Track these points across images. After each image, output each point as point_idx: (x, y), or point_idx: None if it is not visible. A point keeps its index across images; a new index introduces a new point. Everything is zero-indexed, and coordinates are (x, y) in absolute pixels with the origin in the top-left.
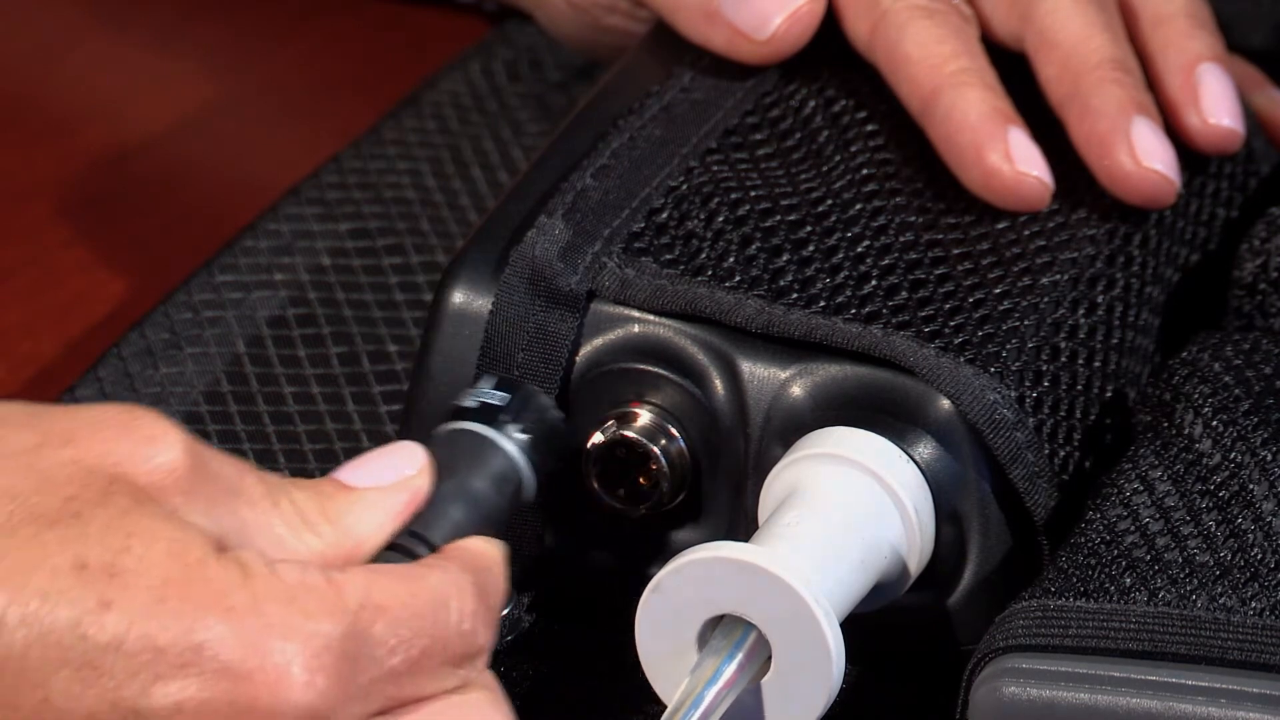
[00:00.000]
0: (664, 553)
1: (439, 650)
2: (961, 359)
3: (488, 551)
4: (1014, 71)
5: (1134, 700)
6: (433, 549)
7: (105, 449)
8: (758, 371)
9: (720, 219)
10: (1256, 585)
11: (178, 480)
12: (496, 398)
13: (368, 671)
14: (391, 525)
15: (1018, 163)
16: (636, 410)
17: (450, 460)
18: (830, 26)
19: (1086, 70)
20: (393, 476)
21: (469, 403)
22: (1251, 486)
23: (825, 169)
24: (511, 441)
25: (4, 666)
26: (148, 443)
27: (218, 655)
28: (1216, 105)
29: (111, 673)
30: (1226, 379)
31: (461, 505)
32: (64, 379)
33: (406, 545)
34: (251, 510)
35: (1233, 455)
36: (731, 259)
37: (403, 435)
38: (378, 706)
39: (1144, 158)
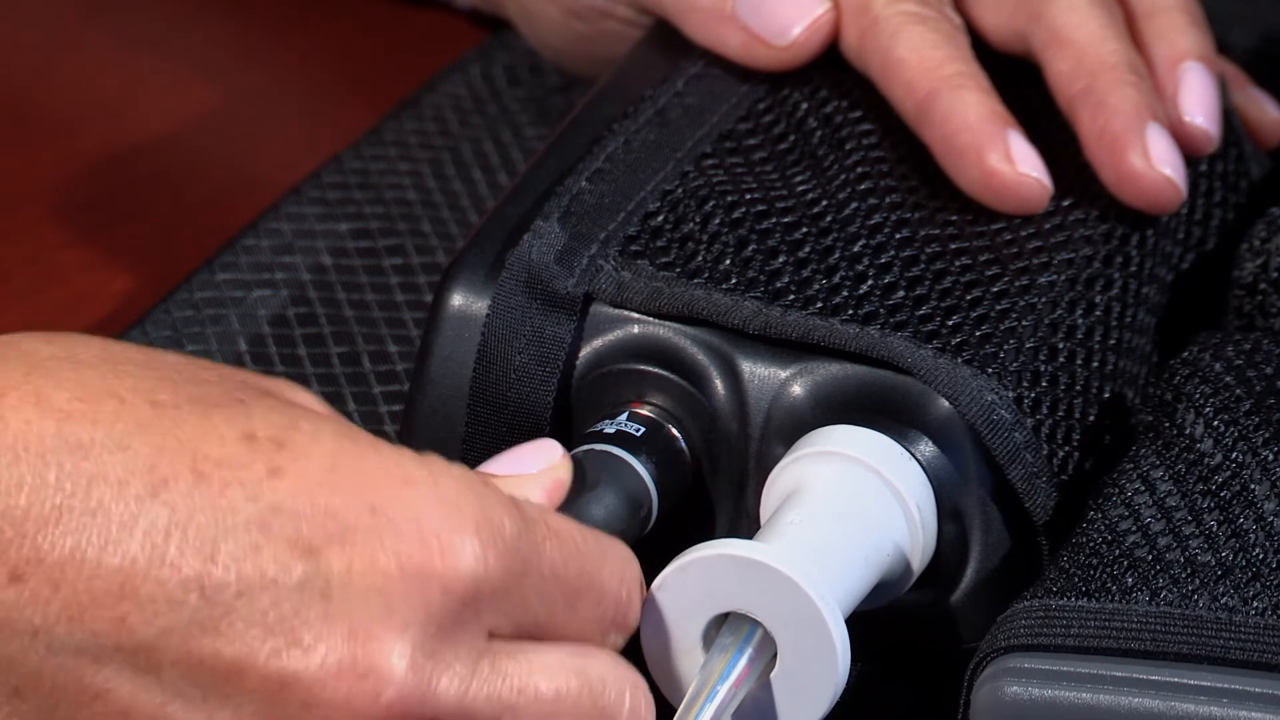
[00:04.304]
0: (667, 553)
1: (594, 598)
2: (959, 359)
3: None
4: (999, 82)
5: (1136, 700)
6: None
7: (254, 376)
8: (758, 371)
9: (716, 222)
10: (1258, 585)
11: (328, 414)
12: (631, 428)
13: (531, 579)
14: None
15: (1018, 164)
16: (637, 411)
17: (591, 477)
18: None
19: (1104, 69)
20: (535, 467)
21: (607, 429)
22: (1253, 486)
23: (820, 171)
24: (645, 468)
25: (170, 532)
26: (291, 387)
27: (394, 521)
28: (1194, 104)
29: (280, 534)
30: (1228, 379)
31: (599, 519)
32: None
33: None
34: None
35: (1234, 455)
36: (728, 261)
37: (403, 438)
38: (531, 620)
39: (1156, 161)
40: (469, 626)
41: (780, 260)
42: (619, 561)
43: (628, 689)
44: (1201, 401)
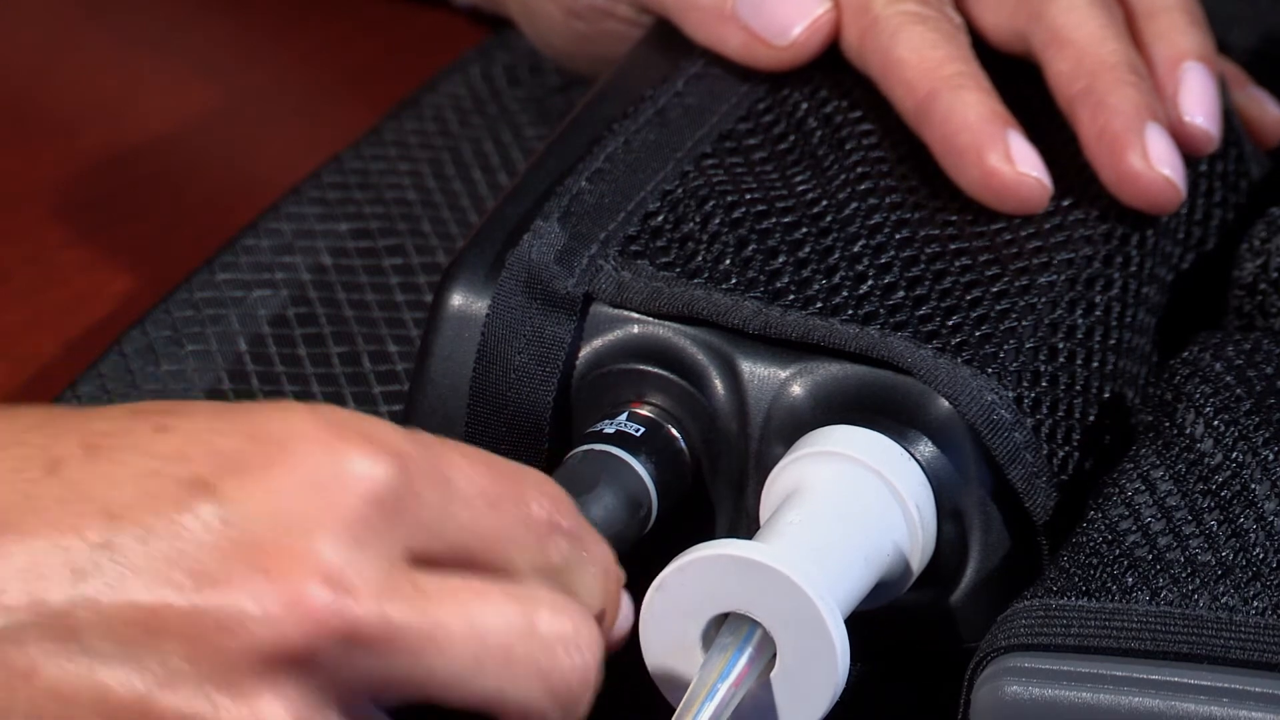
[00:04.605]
0: (667, 552)
1: (515, 499)
2: (959, 359)
3: None
4: (1000, 82)
5: (1136, 699)
6: None
7: None
8: (758, 371)
9: (716, 222)
10: (1259, 584)
11: None
12: (631, 428)
13: (438, 484)
14: None
15: (1018, 164)
16: (637, 411)
17: (591, 477)
18: None
19: (1104, 69)
20: None
21: (607, 429)
22: (1253, 486)
23: (820, 171)
24: (644, 468)
25: (68, 502)
26: None
27: (282, 442)
28: (1195, 104)
29: (172, 478)
30: (1228, 379)
31: (598, 518)
32: (64, 379)
33: None
34: None
35: (1234, 455)
36: (728, 261)
37: None
38: (459, 528)
39: (1156, 161)
40: (383, 536)
41: (780, 260)
42: (534, 474)
43: (567, 617)
44: (1201, 401)
